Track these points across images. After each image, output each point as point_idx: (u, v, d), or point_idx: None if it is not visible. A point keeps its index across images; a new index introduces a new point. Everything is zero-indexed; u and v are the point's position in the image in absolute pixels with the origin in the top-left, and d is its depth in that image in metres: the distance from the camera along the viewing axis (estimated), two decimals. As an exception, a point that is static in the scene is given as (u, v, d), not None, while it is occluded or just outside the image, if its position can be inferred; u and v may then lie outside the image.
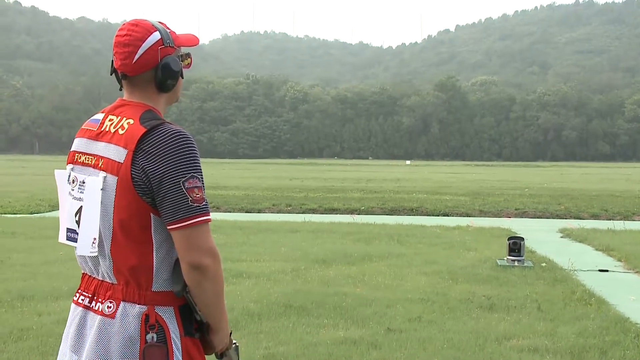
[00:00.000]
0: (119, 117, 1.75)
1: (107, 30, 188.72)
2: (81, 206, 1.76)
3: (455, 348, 4.58)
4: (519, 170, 54.39)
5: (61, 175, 1.87)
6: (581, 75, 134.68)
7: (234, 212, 14.88)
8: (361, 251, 8.86)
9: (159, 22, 1.82)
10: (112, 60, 1.81)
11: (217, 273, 1.71)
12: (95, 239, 1.72)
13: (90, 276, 1.80)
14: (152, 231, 1.69)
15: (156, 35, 1.76)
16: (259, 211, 15.46)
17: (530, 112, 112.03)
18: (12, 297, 5.92)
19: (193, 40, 1.89)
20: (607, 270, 7.94)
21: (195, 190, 1.66)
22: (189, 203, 1.65)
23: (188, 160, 1.66)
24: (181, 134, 1.68)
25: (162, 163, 1.64)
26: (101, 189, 1.70)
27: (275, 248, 9.08)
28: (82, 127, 1.85)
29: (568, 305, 5.87)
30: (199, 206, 1.66)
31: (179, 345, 1.72)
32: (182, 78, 1.86)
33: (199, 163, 1.69)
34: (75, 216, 1.78)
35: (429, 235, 10.88)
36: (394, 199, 18.02)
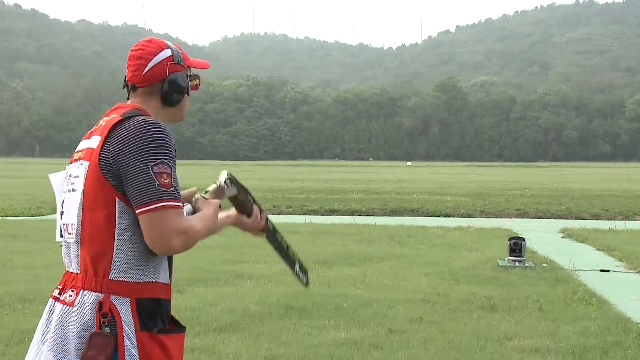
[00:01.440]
0: (110, 117, 1.81)
1: (107, 33, 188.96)
2: (64, 198, 1.83)
3: (457, 349, 4.58)
4: (520, 170, 54.37)
5: (56, 177, 1.93)
6: (582, 75, 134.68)
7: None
8: (362, 252, 8.86)
9: (174, 44, 1.91)
10: (125, 75, 1.89)
11: (193, 241, 1.72)
12: (72, 224, 1.76)
13: (67, 271, 1.83)
14: (116, 217, 1.71)
15: (167, 52, 1.86)
16: (260, 213, 15.45)
17: (530, 112, 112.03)
18: (13, 299, 5.93)
19: (204, 65, 1.98)
20: (608, 270, 7.94)
21: (164, 175, 1.67)
22: (156, 187, 1.66)
23: (159, 147, 1.69)
24: (154, 123, 1.72)
25: (132, 148, 1.68)
26: (79, 176, 1.77)
27: (276, 249, 9.08)
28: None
29: (569, 306, 5.87)
30: (166, 191, 1.67)
31: (133, 338, 1.70)
32: (189, 96, 1.93)
33: (171, 151, 1.71)
34: (61, 207, 1.84)
35: (429, 236, 10.88)
36: (394, 200, 18.02)
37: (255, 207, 2.01)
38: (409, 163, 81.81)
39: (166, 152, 1.69)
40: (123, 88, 1.90)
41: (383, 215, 15.06)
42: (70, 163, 1.87)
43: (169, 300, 1.84)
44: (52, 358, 1.71)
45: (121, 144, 1.69)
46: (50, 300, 1.81)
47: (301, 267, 2.22)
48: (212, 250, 8.77)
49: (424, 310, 5.65)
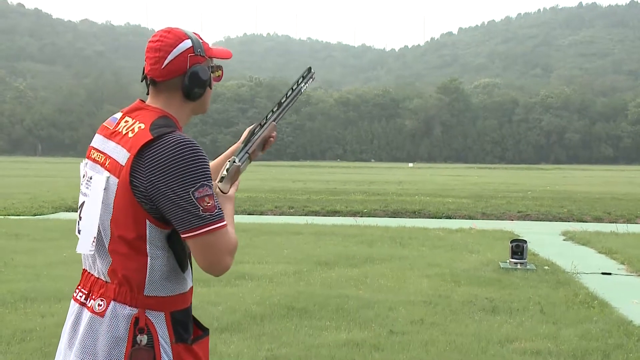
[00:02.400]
0: (134, 120, 1.75)
1: (110, 33, 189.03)
2: (84, 202, 1.77)
3: (458, 351, 4.58)
4: (522, 172, 54.34)
5: (81, 167, 1.89)
6: (584, 78, 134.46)
7: (236, 214, 14.85)
8: (363, 253, 8.86)
9: (193, 32, 1.82)
10: (143, 67, 1.82)
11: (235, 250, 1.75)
12: (94, 238, 1.72)
13: (89, 272, 1.80)
14: (148, 238, 1.68)
15: (187, 43, 1.77)
16: (262, 213, 15.46)
17: (533, 114, 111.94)
18: (15, 298, 5.93)
19: (226, 54, 1.90)
20: (609, 274, 7.94)
21: (206, 199, 1.64)
22: (200, 213, 1.63)
23: (196, 169, 1.64)
24: (188, 143, 1.66)
25: (169, 174, 1.62)
26: (104, 189, 1.70)
27: (278, 250, 9.09)
28: (103, 123, 1.86)
29: (571, 308, 5.87)
30: (211, 214, 1.64)
31: (169, 351, 1.71)
32: (211, 89, 1.85)
33: (208, 170, 1.67)
34: (79, 210, 1.80)
35: (431, 237, 10.87)
36: (396, 201, 18.01)
37: (266, 132, 2.00)
38: (410, 164, 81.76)
39: (204, 173, 1.65)
40: (142, 81, 1.83)
41: (385, 217, 15.06)
42: (88, 159, 1.82)
43: (191, 304, 1.84)
44: None
45: (157, 170, 1.63)
46: (76, 305, 1.78)
47: (304, 78, 2.08)
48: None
49: (425, 312, 5.64)
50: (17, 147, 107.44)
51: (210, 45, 1.85)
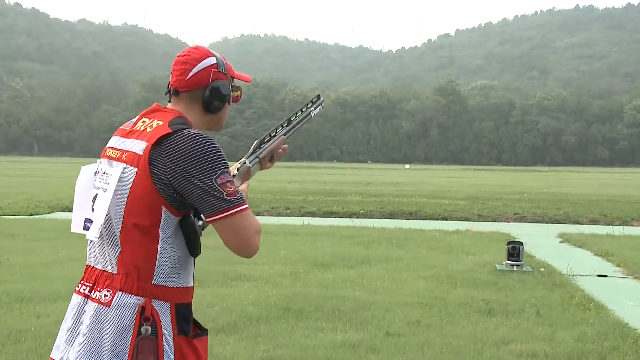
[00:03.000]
0: (151, 119, 1.84)
1: (108, 33, 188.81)
2: (97, 194, 1.84)
3: (454, 352, 4.58)
4: (518, 174, 54.42)
5: (86, 170, 1.95)
6: (581, 80, 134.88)
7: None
8: (360, 255, 8.86)
9: (219, 54, 1.97)
10: (169, 81, 1.94)
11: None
12: (101, 225, 1.78)
13: (93, 267, 1.84)
14: (161, 224, 1.74)
15: (212, 60, 1.91)
16: (258, 214, 15.46)
17: (529, 116, 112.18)
18: (10, 299, 5.91)
19: (247, 78, 2.03)
20: (605, 276, 7.95)
21: (228, 184, 1.75)
22: (224, 197, 1.74)
23: (216, 159, 1.75)
24: (204, 136, 1.78)
25: (191, 163, 1.72)
26: (118, 179, 1.77)
27: (274, 251, 9.08)
28: (120, 127, 1.95)
29: (567, 311, 5.88)
30: (235, 198, 1.75)
31: (171, 342, 1.75)
32: (229, 105, 1.97)
33: (225, 160, 1.78)
34: (92, 202, 1.86)
35: (427, 239, 10.88)
36: (393, 202, 18.02)
37: (275, 143, 2.13)
38: (407, 166, 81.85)
39: (223, 162, 1.76)
40: (166, 94, 1.93)
41: (381, 218, 15.07)
42: (103, 157, 1.89)
43: (191, 302, 1.90)
44: (84, 359, 1.72)
45: (178, 159, 1.72)
46: (79, 297, 1.81)
47: (313, 103, 2.28)
48: (210, 251, 8.73)
49: (421, 314, 5.65)
50: (13, 147, 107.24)
51: (232, 68, 2.01)
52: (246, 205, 1.78)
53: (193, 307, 1.89)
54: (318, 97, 2.28)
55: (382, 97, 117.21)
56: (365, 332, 5.06)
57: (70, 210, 14.21)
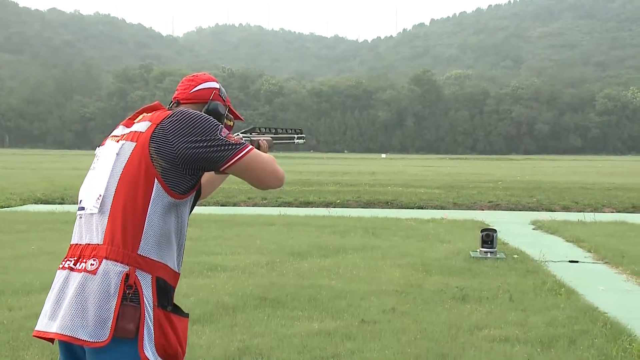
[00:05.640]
0: (153, 114, 1.98)
1: (79, 22, 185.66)
2: (91, 174, 1.96)
3: (429, 339, 4.64)
4: (493, 163, 55.00)
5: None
6: (553, 69, 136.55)
7: (209, 205, 14.80)
8: (336, 244, 8.90)
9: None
10: (172, 98, 2.15)
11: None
12: (100, 195, 1.86)
13: (77, 244, 1.89)
14: (152, 197, 1.84)
15: (216, 84, 2.17)
16: (234, 204, 15.42)
17: (503, 105, 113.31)
18: (-18, 292, 5.83)
19: (239, 117, 2.29)
20: (577, 262, 8.10)
21: (231, 135, 1.95)
22: (232, 144, 1.92)
23: (212, 120, 1.93)
24: (198, 112, 1.97)
25: (192, 128, 1.88)
26: (116, 154, 1.89)
27: (251, 241, 9.08)
28: (122, 121, 2.09)
29: (539, 296, 5.98)
30: (240, 144, 1.94)
31: (151, 313, 1.81)
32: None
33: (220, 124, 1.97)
34: (88, 181, 1.96)
35: (403, 227, 10.96)
36: (369, 192, 18.10)
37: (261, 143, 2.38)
38: (383, 155, 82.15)
39: (219, 123, 1.95)
40: (168, 109, 2.05)
41: (357, 207, 15.12)
42: (103, 145, 2.01)
43: (174, 289, 1.96)
44: (68, 330, 1.75)
45: (181, 129, 1.88)
46: (63, 272, 1.85)
47: (295, 132, 2.61)
48: (186, 242, 8.71)
49: (396, 301, 5.70)
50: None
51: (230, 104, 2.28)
52: (252, 147, 1.96)
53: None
54: (301, 131, 2.62)
55: (358, 87, 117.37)
56: (341, 320, 5.09)
57: (43, 202, 13.88)
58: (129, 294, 1.76)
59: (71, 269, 1.83)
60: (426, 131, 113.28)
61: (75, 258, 1.84)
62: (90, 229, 1.86)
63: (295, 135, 2.56)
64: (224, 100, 2.17)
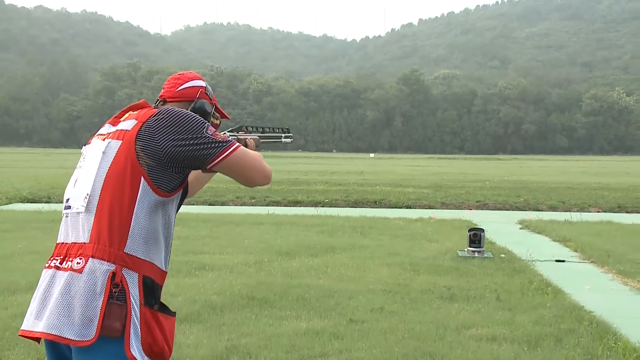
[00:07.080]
0: (139, 112, 1.97)
1: (66, 20, 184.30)
2: (78, 173, 1.94)
3: (416, 338, 4.65)
4: (480, 163, 55.26)
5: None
6: (540, 69, 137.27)
7: (197, 204, 14.75)
8: (324, 243, 8.90)
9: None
10: (159, 95, 2.14)
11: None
12: (87, 194, 1.85)
13: (63, 243, 1.88)
14: (139, 195, 1.83)
15: (202, 82, 2.17)
16: (223, 204, 15.37)
17: (491, 105, 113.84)
18: (-33, 292, 5.77)
19: (226, 116, 2.30)
20: (563, 261, 8.15)
21: (217, 133, 1.95)
22: (218, 142, 1.91)
23: (198, 119, 1.92)
24: (184, 110, 1.97)
25: (179, 126, 1.87)
26: (102, 152, 1.88)
27: (239, 240, 9.06)
28: (108, 120, 2.09)
29: (526, 295, 6.01)
30: (227, 141, 1.93)
31: (138, 312, 1.80)
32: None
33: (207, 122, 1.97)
34: (74, 180, 1.94)
35: (391, 227, 10.98)
36: (357, 191, 18.12)
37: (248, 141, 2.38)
38: (372, 155, 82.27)
39: (205, 121, 1.94)
40: (154, 108, 2.04)
41: (346, 207, 15.14)
42: (89, 143, 2.00)
43: (161, 287, 1.95)
44: (54, 329, 1.73)
45: (167, 127, 1.87)
46: (49, 271, 1.84)
47: (283, 131, 2.64)
48: (173, 242, 8.67)
49: (384, 301, 5.71)
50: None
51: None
52: (238, 144, 1.95)
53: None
54: (289, 130, 2.65)
55: (347, 86, 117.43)
56: (329, 320, 5.10)
57: (30, 201, 13.75)
58: (116, 292, 1.75)
59: (57, 267, 1.82)
60: (414, 131, 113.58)
61: (62, 257, 1.83)
62: (76, 228, 1.85)
63: (283, 135, 2.58)
64: (211, 99, 2.17)
